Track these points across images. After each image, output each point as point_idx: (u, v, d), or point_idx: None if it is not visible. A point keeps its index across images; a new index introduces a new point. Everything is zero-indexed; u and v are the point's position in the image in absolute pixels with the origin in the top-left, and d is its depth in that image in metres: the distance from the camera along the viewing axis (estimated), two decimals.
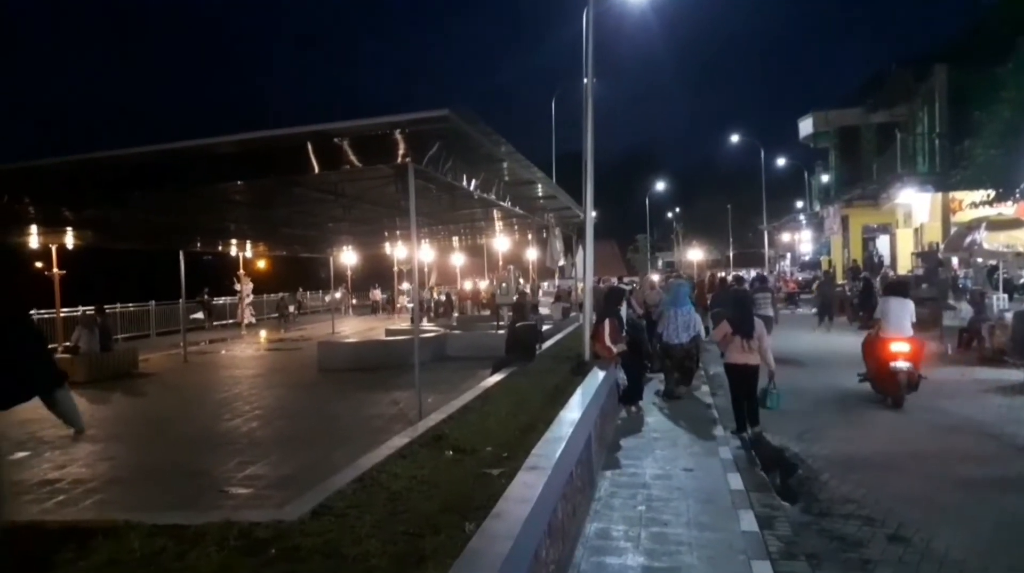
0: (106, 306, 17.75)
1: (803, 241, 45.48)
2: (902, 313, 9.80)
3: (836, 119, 34.10)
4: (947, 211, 23.06)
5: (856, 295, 21.45)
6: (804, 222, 43.79)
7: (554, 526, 4.25)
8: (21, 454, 7.66)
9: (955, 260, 20.84)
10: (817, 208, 39.63)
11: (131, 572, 3.70)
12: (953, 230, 22.29)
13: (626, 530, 5.30)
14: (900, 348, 9.49)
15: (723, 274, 28.77)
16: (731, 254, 61.85)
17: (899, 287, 10.99)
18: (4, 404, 5.07)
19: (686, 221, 70.56)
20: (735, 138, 49.86)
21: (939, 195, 23.38)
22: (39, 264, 18.95)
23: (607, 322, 9.15)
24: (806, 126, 35.75)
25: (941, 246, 21.57)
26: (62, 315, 16.78)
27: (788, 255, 52.19)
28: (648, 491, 6.25)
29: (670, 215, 72.86)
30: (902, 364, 9.44)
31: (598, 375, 8.06)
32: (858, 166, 32.44)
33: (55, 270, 16.19)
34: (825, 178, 39.78)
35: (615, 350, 9.02)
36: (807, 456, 7.53)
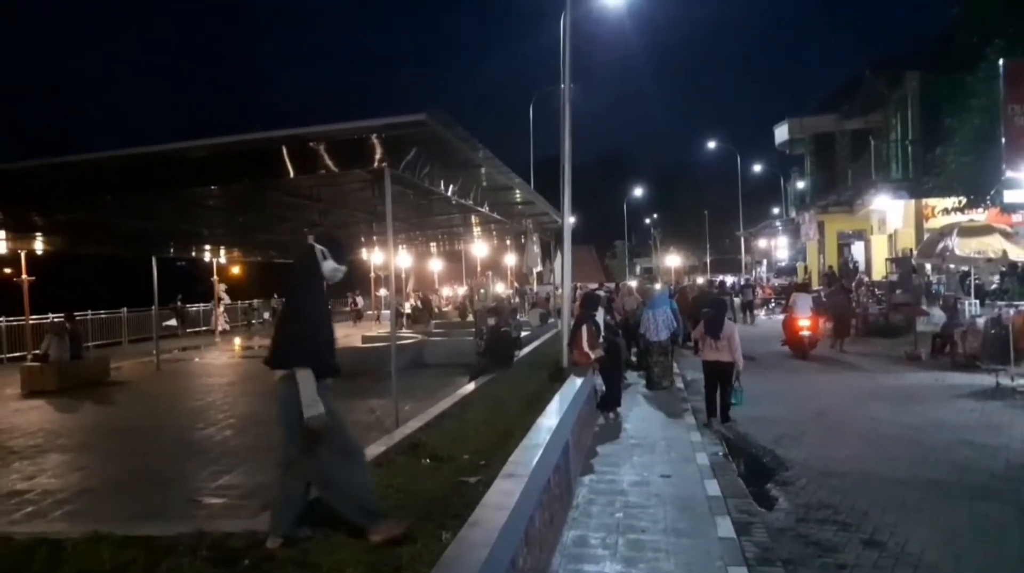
0: (76, 313, 17.41)
1: (779, 247, 45.93)
2: (805, 303, 16.10)
3: (811, 126, 34.48)
4: (920, 217, 23.37)
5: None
6: (780, 228, 44.25)
7: (531, 534, 4.22)
8: None
9: (928, 266, 21.15)
10: (793, 214, 40.06)
11: None
12: (926, 236, 22.62)
13: (604, 537, 5.27)
14: (804, 323, 15.77)
15: (711, 278, 29.13)
16: (708, 260, 62.33)
17: (803, 287, 21.13)
18: None
19: (664, 227, 71.02)
20: (712, 144, 50.41)
21: (912, 202, 23.68)
22: (7, 270, 18.60)
23: (584, 328, 9.14)
24: (782, 132, 36.12)
25: (914, 252, 21.88)
26: (31, 322, 16.49)
27: (764, 261, 52.69)
28: (626, 498, 6.23)
29: (648, 221, 73.26)
30: (806, 333, 15.67)
31: (575, 382, 8.05)
32: (833, 172, 32.83)
33: (24, 276, 15.90)
34: (801, 184, 40.26)
35: (593, 356, 9.02)
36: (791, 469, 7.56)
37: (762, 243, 50.98)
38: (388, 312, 17.67)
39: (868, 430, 8.96)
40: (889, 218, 26.24)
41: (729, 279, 41.04)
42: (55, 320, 16.66)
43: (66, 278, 28.87)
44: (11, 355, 17.81)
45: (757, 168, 52.44)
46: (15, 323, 17.96)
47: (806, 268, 36.48)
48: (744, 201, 45.31)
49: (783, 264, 45.52)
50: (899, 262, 21.94)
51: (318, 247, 4.07)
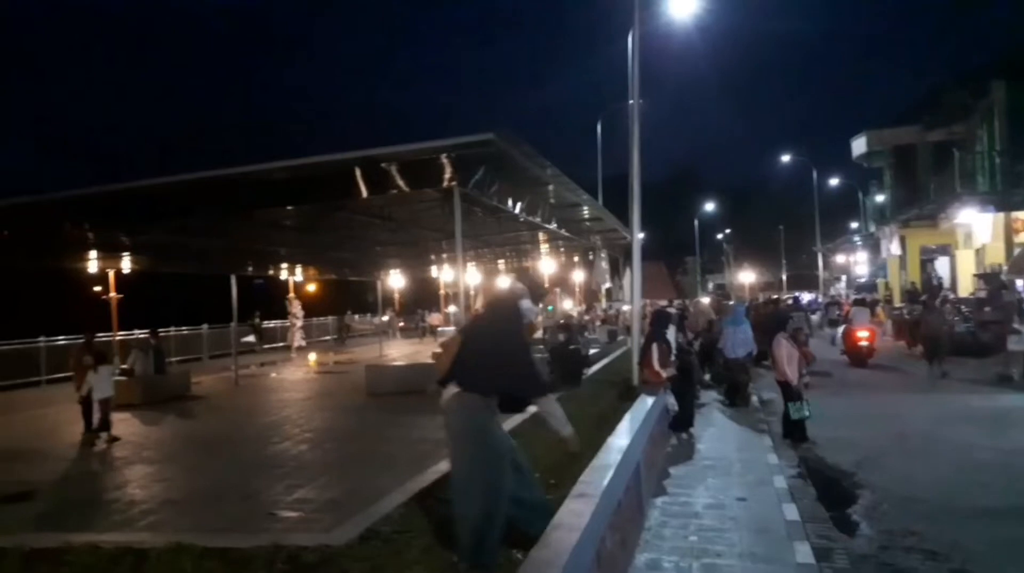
0: (160, 330, 18.16)
1: (858, 263, 44.32)
2: (864, 316, 17.76)
3: (891, 138, 33.35)
4: (1010, 231, 22.27)
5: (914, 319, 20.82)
6: (859, 243, 42.74)
7: (603, 556, 4.13)
8: (78, 475, 7.84)
9: (1020, 282, 20.06)
10: (872, 229, 38.66)
11: None
12: (1017, 251, 21.46)
13: (677, 561, 5.14)
14: (863, 334, 17.01)
15: (770, 296, 28.40)
16: (784, 276, 60.71)
17: (861, 302, 21.31)
18: None
19: (737, 242, 69.58)
20: (786, 157, 49.18)
21: (1001, 215, 22.62)
22: (97, 288, 19.54)
23: (655, 346, 8.98)
24: (859, 145, 35.02)
25: (1004, 268, 20.80)
26: (118, 338, 17.25)
27: (843, 277, 50.97)
28: (700, 521, 6.07)
29: (720, 236, 71.88)
30: (864, 343, 16.86)
31: (647, 401, 7.91)
32: (914, 185, 31.60)
33: (112, 294, 16.68)
34: (880, 198, 38.86)
35: (664, 375, 8.85)
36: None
37: (840, 259, 49.36)
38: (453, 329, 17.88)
39: (955, 454, 8.49)
40: (976, 232, 25.05)
41: (805, 296, 39.84)
42: (140, 336, 17.41)
43: (151, 296, 30.18)
44: None
45: (834, 182, 50.92)
46: (103, 339, 18.84)
47: (887, 284, 35.06)
48: (821, 216, 43.96)
49: (863, 280, 43.84)
50: (988, 278, 20.90)
51: (518, 286, 4.36)
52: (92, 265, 15.47)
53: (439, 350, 4.39)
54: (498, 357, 4.25)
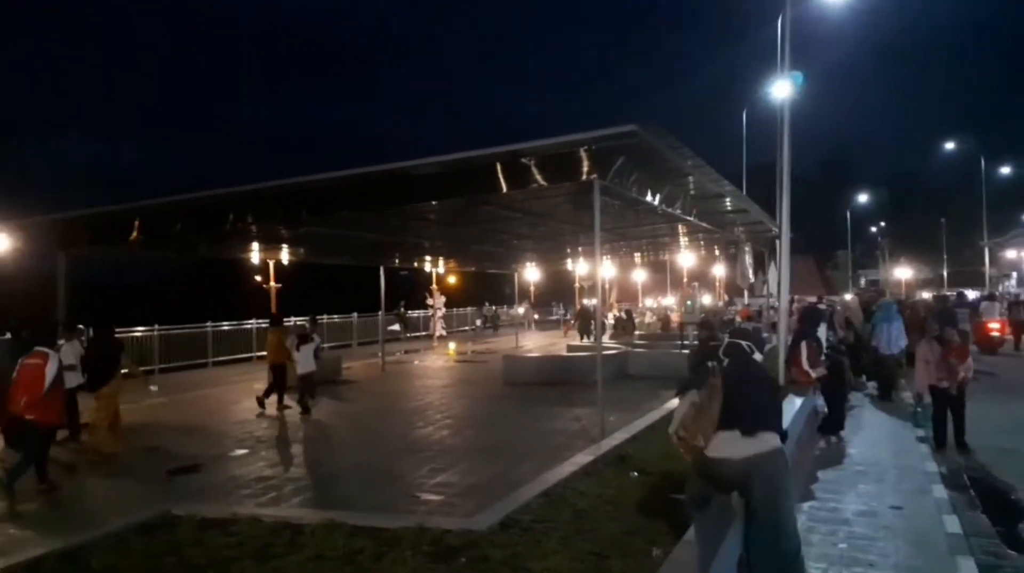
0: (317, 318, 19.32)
1: None
2: (993, 309, 19.77)
3: None
4: None
5: None
6: None
7: (742, 558, 4.01)
8: (240, 451, 8.50)
9: None
10: None
11: (335, 569, 3.97)
12: None
13: (826, 569, 4.90)
14: (994, 326, 19.11)
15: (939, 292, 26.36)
16: (945, 273, 56.03)
17: (990, 297, 22.20)
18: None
19: (893, 236, 64.93)
20: (949, 144, 45.33)
21: None
22: (257, 278, 21.04)
23: (804, 345, 8.56)
24: None
25: None
26: None
27: (1014, 274, 46.38)
28: (850, 528, 5.75)
29: (874, 230, 67.26)
30: (995, 334, 18.89)
31: (795, 401, 7.58)
32: None
33: (272, 283, 17.94)
34: None
35: (814, 375, 8.43)
36: None
37: (1010, 254, 44.96)
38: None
39: None
40: None
41: (970, 293, 36.61)
42: (298, 323, 18.60)
43: (306, 285, 32.17)
44: (260, 354, 20.14)
45: (1005, 170, 46.39)
46: (264, 326, 20.31)
47: None
48: (989, 208, 40.14)
49: None
50: None
51: (744, 343, 4.28)
52: (254, 256, 16.71)
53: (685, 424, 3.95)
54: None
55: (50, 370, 6.65)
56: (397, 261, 19.46)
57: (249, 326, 20.69)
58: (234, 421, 10.70)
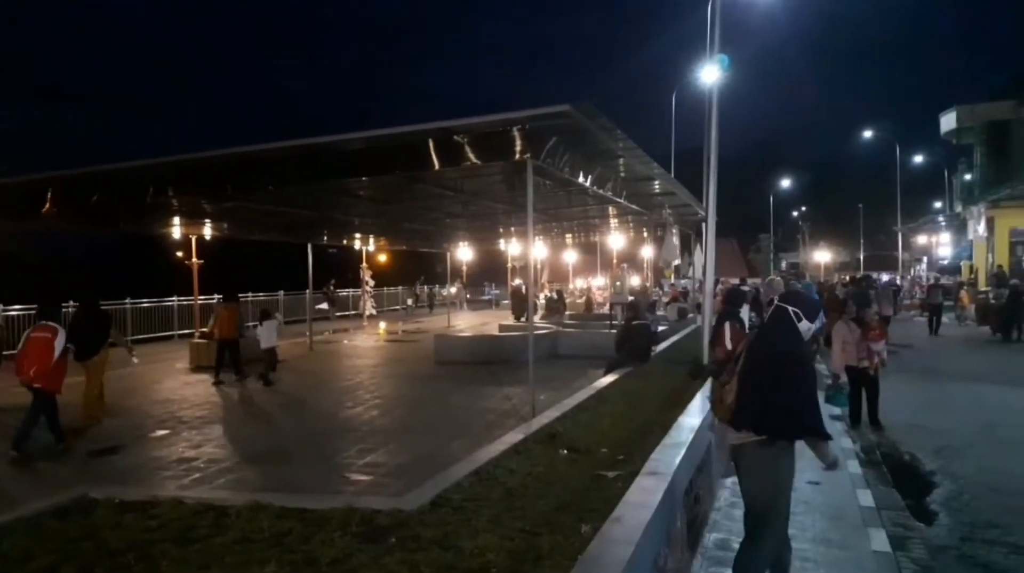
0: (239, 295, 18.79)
1: (941, 244, 42.35)
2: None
3: (983, 113, 31.64)
4: None
5: (1002, 305, 19.78)
6: (943, 224, 40.80)
7: (673, 534, 4.12)
8: (162, 432, 8.22)
9: None
10: (958, 209, 36.85)
11: (261, 551, 3.87)
12: None
13: None
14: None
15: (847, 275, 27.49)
16: (862, 256, 58.56)
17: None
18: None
19: (813, 220, 67.39)
20: (868, 133, 47.17)
21: None
22: (179, 254, 20.34)
23: (728, 325, 8.78)
24: (948, 121, 33.33)
25: None
26: (199, 302, 17.94)
27: (924, 259, 48.83)
28: None
29: (796, 214, 69.65)
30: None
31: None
32: (1007, 164, 29.98)
33: (194, 259, 17.34)
34: (968, 177, 36.97)
35: None
36: None
37: (922, 240, 47.27)
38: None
39: None
40: None
41: (884, 277, 38.36)
42: (220, 300, 18.06)
43: (230, 262, 31.21)
44: (181, 332, 19.50)
45: (918, 159, 48.64)
46: (185, 302, 19.65)
47: (971, 267, 33.40)
48: (903, 195, 42.00)
49: (945, 262, 41.93)
50: None
51: (791, 309, 3.90)
52: (176, 231, 16.08)
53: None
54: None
55: (58, 343, 7.44)
56: (326, 238, 19.05)
57: (170, 303, 20.01)
58: (155, 400, 10.35)
